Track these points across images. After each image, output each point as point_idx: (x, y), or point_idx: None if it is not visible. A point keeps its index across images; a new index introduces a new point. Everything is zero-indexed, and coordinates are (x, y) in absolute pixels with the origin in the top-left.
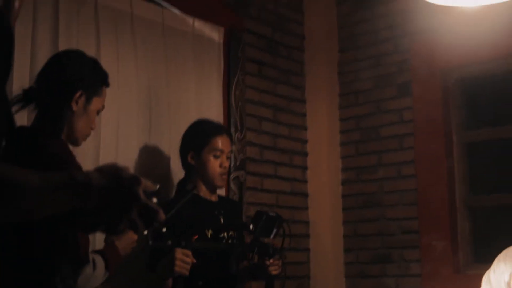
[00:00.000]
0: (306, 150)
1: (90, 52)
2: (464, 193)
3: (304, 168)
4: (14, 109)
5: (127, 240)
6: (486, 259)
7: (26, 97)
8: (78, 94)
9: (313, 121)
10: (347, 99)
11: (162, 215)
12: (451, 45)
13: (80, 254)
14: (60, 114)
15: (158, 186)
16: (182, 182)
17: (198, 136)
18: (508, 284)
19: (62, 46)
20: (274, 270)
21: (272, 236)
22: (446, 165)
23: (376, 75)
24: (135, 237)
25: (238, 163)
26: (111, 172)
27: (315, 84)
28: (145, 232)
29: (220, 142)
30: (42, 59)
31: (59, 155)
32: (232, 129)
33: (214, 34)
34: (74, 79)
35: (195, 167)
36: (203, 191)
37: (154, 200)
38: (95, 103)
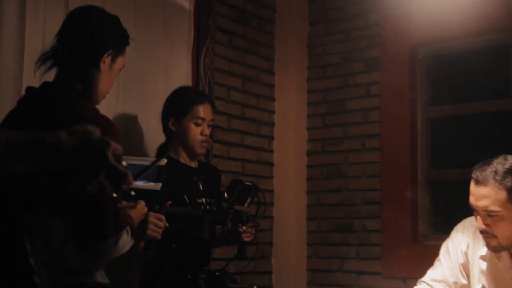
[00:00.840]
0: (274, 120)
1: (59, 21)
2: (426, 167)
3: (271, 138)
4: (41, 69)
5: (139, 212)
6: (444, 231)
7: (55, 56)
8: (107, 53)
9: (281, 92)
10: (316, 72)
11: (130, 178)
12: (420, 22)
13: (119, 219)
14: (91, 73)
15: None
16: (162, 147)
17: (180, 103)
18: (465, 253)
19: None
20: (246, 237)
21: (246, 204)
22: (409, 139)
23: (345, 49)
24: (145, 209)
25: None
26: (81, 134)
27: (285, 56)
28: (114, 195)
29: (202, 110)
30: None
31: (96, 119)
32: None
33: (184, 2)
34: (103, 38)
35: (176, 133)
36: (183, 157)
37: (124, 163)
38: (119, 62)
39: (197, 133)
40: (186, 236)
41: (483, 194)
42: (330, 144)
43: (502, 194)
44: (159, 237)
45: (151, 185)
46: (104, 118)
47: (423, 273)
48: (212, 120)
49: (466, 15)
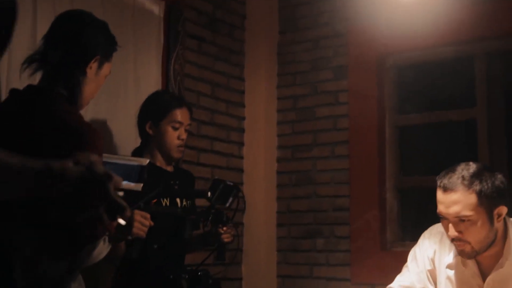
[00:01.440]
0: (243, 126)
1: (28, 23)
2: (394, 174)
3: (241, 144)
4: (27, 72)
5: None
6: (412, 237)
7: (41, 59)
8: (94, 59)
9: (251, 98)
10: (285, 79)
11: (128, 212)
12: (387, 31)
13: (97, 228)
14: (77, 78)
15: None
16: (138, 151)
17: (158, 107)
18: (432, 259)
19: None
20: (226, 238)
21: (228, 205)
22: (378, 146)
23: (313, 57)
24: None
25: None
26: (86, 165)
27: (255, 63)
28: (122, 222)
29: (180, 114)
30: None
31: (80, 126)
32: None
33: (154, 7)
34: (91, 43)
35: (152, 137)
36: (159, 161)
37: (121, 194)
38: (105, 68)
39: (174, 137)
40: (168, 236)
41: (453, 200)
42: (300, 151)
43: (472, 198)
44: (144, 235)
45: (132, 185)
46: (87, 125)
47: (391, 279)
48: (189, 124)
49: (433, 27)
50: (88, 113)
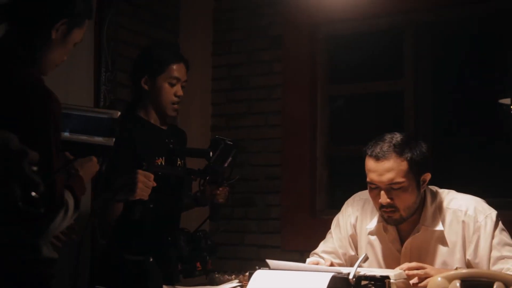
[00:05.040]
0: None
1: None
2: (324, 143)
3: None
4: None
5: (91, 168)
6: (341, 205)
7: (7, 11)
8: (61, 22)
9: None
10: (221, 47)
11: (42, 188)
12: (320, 1)
13: (55, 199)
14: (40, 39)
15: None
16: (131, 106)
17: (155, 61)
18: (354, 225)
19: None
20: (221, 199)
21: (226, 164)
22: (309, 116)
23: (249, 26)
24: (97, 166)
25: (108, 104)
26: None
27: (190, 30)
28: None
29: (178, 70)
30: None
31: (36, 87)
32: (103, 69)
33: None
34: (62, 4)
35: (148, 93)
36: (154, 119)
37: (34, 168)
38: (75, 34)
39: (171, 93)
40: (165, 196)
41: (386, 168)
42: (234, 120)
43: (404, 165)
44: (147, 197)
45: (101, 140)
46: (42, 88)
47: None
48: (186, 81)
49: None
50: None
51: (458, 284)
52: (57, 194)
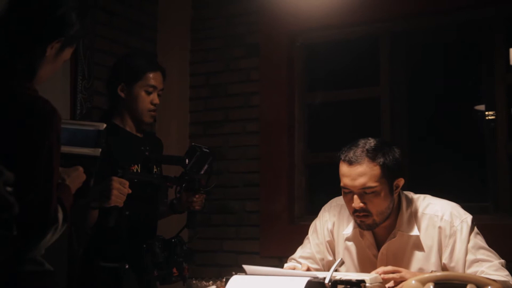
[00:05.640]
0: None
1: None
2: (302, 150)
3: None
4: None
5: (77, 177)
6: (318, 211)
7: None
8: (58, 40)
9: None
10: (198, 55)
11: (16, 209)
12: (297, 10)
13: (50, 217)
14: (36, 55)
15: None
16: (107, 113)
17: (132, 69)
18: (331, 231)
19: None
20: (197, 206)
21: (202, 171)
22: (287, 123)
23: (226, 34)
24: (84, 176)
25: (84, 112)
26: None
27: (167, 39)
28: None
29: (154, 78)
30: None
31: (43, 102)
32: (79, 77)
33: None
34: (62, 23)
35: (124, 100)
36: (129, 126)
37: (8, 189)
38: (66, 52)
39: (147, 101)
40: (140, 203)
41: (359, 172)
42: (212, 127)
43: (376, 170)
44: (122, 204)
45: (89, 151)
46: (44, 101)
47: None
48: (162, 89)
49: (341, 6)
50: None
51: (431, 287)
52: (51, 212)
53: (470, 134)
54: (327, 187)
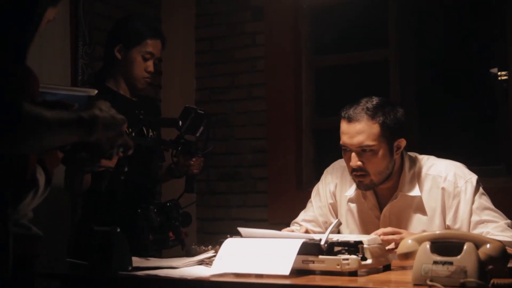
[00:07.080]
0: (161, 68)
1: None
2: (310, 115)
3: (158, 87)
4: None
5: None
6: None
7: None
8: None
9: (168, 40)
10: (203, 20)
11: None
12: None
13: (25, 181)
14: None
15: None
16: (101, 73)
17: (132, 32)
18: (333, 193)
19: None
20: (195, 169)
21: (198, 134)
22: (294, 88)
23: None
24: None
25: (86, 78)
26: (108, 111)
27: (171, 3)
28: None
29: (153, 45)
30: None
31: None
32: (80, 43)
33: None
34: None
35: (119, 62)
36: (123, 89)
37: None
38: (49, 12)
39: (142, 68)
40: (135, 167)
41: (357, 130)
42: (217, 93)
43: (375, 128)
44: (113, 165)
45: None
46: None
47: None
48: (159, 58)
49: None
50: None
51: (428, 246)
52: (27, 176)
53: (483, 97)
54: (336, 153)
